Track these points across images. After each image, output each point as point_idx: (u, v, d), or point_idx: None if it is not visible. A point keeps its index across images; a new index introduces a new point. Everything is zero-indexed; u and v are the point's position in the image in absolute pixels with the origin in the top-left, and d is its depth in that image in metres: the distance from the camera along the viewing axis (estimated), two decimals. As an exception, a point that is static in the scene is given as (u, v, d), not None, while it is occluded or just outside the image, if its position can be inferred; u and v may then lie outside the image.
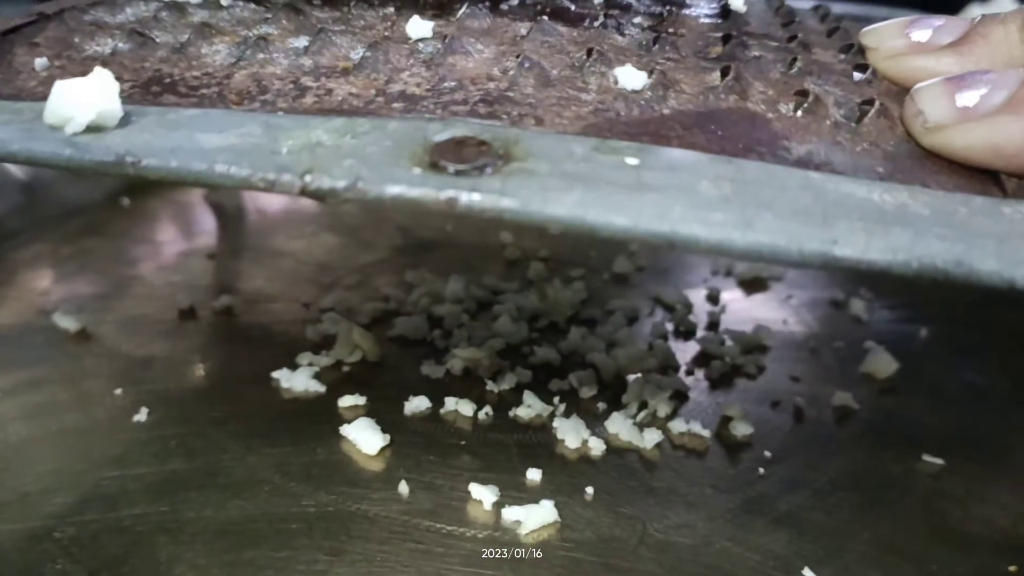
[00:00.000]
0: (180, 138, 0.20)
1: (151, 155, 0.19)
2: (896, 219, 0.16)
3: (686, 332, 0.35)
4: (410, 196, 0.17)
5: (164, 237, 0.41)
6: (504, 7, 0.28)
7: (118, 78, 0.23)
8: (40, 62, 0.24)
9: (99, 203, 0.43)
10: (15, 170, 0.42)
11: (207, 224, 0.42)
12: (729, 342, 0.34)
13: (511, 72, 0.22)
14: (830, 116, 0.21)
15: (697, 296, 0.37)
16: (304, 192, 0.18)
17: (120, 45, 0.25)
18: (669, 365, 0.32)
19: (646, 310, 0.36)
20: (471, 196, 0.17)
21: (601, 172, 0.17)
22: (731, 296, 0.37)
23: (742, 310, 0.36)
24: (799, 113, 0.21)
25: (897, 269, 0.16)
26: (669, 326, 0.35)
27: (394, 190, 0.17)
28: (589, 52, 0.23)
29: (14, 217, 0.40)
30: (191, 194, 0.44)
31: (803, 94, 0.21)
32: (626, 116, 0.21)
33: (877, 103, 0.21)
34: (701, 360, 0.33)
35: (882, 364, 0.32)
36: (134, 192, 0.44)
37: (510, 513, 0.25)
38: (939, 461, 0.28)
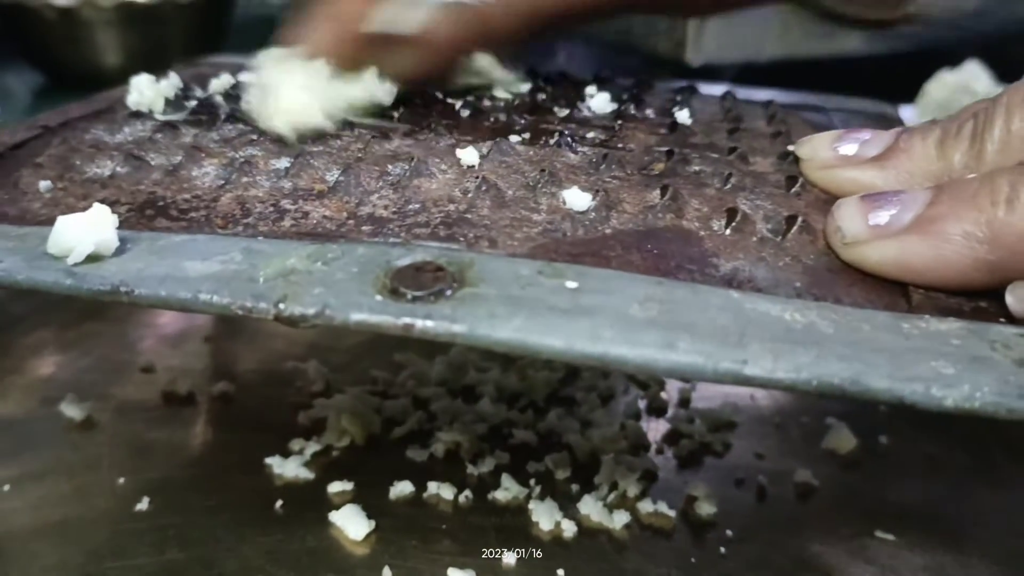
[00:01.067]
0: (169, 266, 0.22)
1: (142, 285, 0.21)
2: (803, 338, 0.19)
3: (658, 409, 0.36)
4: (371, 322, 0.19)
5: (163, 319, 0.43)
6: (469, 123, 0.30)
7: (115, 201, 0.25)
8: (44, 184, 0.26)
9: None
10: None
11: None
12: (698, 420, 0.35)
13: (470, 194, 0.25)
14: (757, 232, 0.23)
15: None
16: (278, 318, 0.20)
17: (118, 169, 0.27)
18: (640, 445, 0.34)
19: (621, 388, 0.38)
20: (425, 323, 0.19)
21: (543, 296, 0.20)
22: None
23: (713, 385, 0.38)
24: (728, 231, 0.23)
25: (800, 387, 0.18)
26: (642, 403, 0.37)
27: (357, 317, 0.19)
28: (542, 171, 0.25)
29: (19, 303, 0.42)
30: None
31: (733, 212, 0.24)
32: (572, 236, 0.23)
33: (800, 219, 0.23)
34: (671, 438, 0.35)
35: (842, 440, 0.34)
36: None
37: (486, 598, 0.26)
38: (891, 537, 0.29)
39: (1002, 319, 0.20)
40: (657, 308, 0.19)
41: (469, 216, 0.24)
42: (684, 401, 0.37)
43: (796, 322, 0.19)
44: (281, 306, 0.20)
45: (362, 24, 0.31)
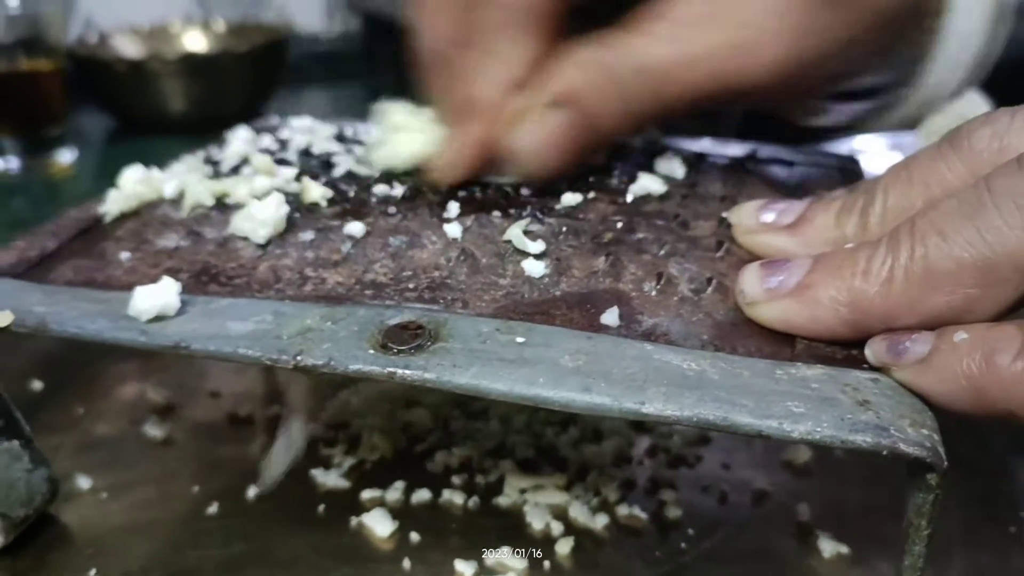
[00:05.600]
0: (216, 326, 0.28)
1: (196, 341, 0.27)
2: (692, 384, 0.24)
3: (644, 427, 0.42)
4: (364, 371, 0.26)
5: (226, 350, 0.50)
6: (463, 198, 0.36)
7: (179, 270, 0.32)
8: (124, 255, 0.33)
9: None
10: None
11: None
12: (676, 436, 0.41)
13: (451, 263, 0.31)
14: (679, 292, 0.29)
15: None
16: (296, 368, 0.26)
17: (181, 242, 0.34)
18: (623, 458, 0.40)
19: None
20: (404, 372, 0.25)
21: (496, 349, 0.26)
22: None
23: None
24: (655, 292, 0.29)
25: (684, 422, 0.23)
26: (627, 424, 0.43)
27: (354, 367, 0.26)
28: (509, 242, 0.31)
29: (108, 339, 0.50)
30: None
31: (660, 276, 0.29)
32: (528, 298, 0.29)
33: (715, 281, 0.29)
34: (651, 452, 0.41)
35: (798, 452, 0.40)
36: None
37: (484, 583, 0.33)
38: (829, 536, 0.35)
39: (865, 365, 0.26)
40: (584, 359, 0.25)
41: (449, 281, 0.30)
42: (667, 419, 0.43)
43: (691, 370, 0.25)
44: (299, 358, 0.26)
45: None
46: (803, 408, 0.23)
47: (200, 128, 0.41)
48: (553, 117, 0.35)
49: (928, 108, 0.49)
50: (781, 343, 0.27)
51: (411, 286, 0.30)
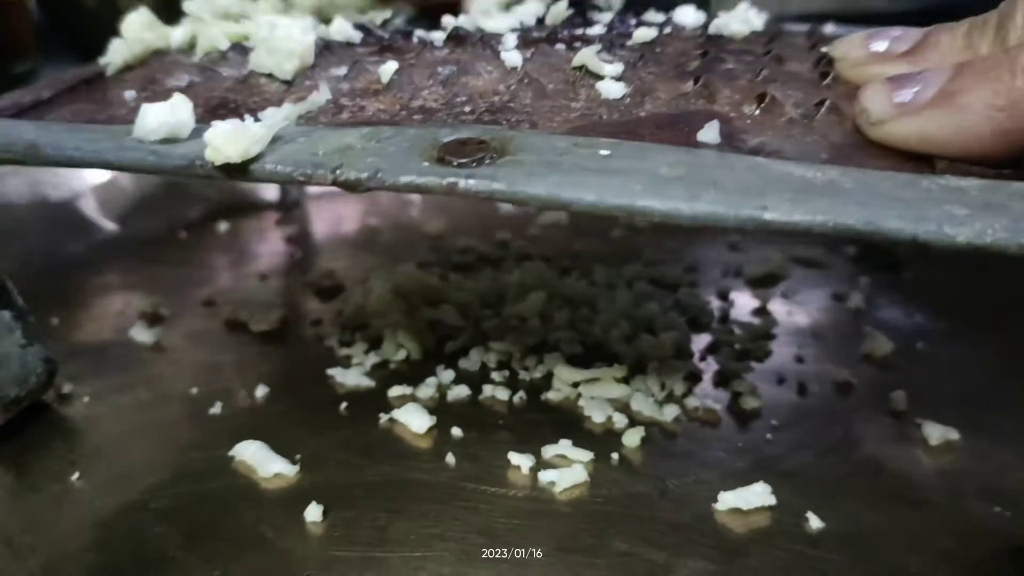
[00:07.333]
0: None
1: None
2: (822, 191, 0.20)
3: (701, 325, 0.38)
4: (419, 183, 0.21)
5: (218, 262, 0.45)
6: (519, 36, 0.32)
7: (192, 104, 0.27)
8: (129, 94, 0.28)
9: (160, 237, 0.47)
10: (91, 213, 0.47)
11: (253, 252, 0.46)
12: (738, 331, 0.37)
13: (513, 87, 0.26)
14: (786, 114, 0.24)
15: (710, 296, 0.40)
16: (335, 183, 0.21)
17: (194, 79, 0.29)
18: (683, 352, 0.35)
19: (660, 309, 0.39)
20: (467, 182, 0.21)
21: (577, 161, 0.21)
22: (739, 294, 0.41)
23: (750, 304, 0.40)
24: (758, 112, 0.24)
25: (817, 229, 0.19)
26: (682, 320, 0.38)
27: (406, 179, 0.21)
28: (580, 68, 0.27)
29: (90, 252, 0.45)
30: (238, 224, 0.49)
31: (763, 96, 0.25)
32: (607, 119, 0.24)
33: (828, 102, 0.24)
34: (713, 348, 0.36)
35: (879, 345, 0.35)
36: (190, 226, 0.48)
37: (545, 476, 0.28)
38: (934, 422, 0.31)
39: None
40: (685, 169, 0.20)
41: (512, 105, 0.25)
42: (723, 318, 0.38)
43: (817, 179, 0.20)
44: (337, 172, 0.22)
45: None
46: (966, 211, 0.19)
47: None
48: None
49: None
50: (918, 164, 0.22)
51: (467, 109, 0.25)
